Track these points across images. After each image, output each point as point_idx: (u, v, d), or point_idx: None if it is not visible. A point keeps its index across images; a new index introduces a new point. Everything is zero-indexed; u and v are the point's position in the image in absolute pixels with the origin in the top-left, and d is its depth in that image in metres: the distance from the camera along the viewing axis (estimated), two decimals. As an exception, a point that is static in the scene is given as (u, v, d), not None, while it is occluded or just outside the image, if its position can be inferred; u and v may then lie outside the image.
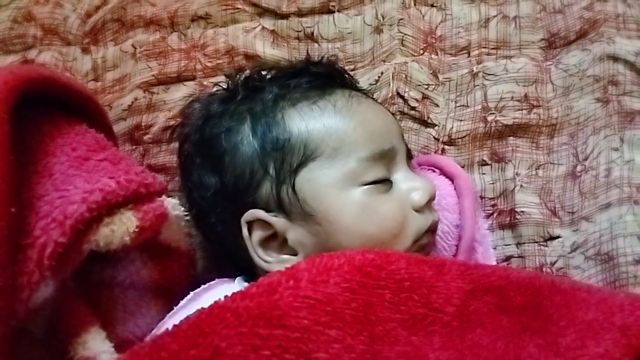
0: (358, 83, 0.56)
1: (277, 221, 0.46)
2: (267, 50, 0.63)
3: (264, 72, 0.52)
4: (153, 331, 0.50)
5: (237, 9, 0.64)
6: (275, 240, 0.47)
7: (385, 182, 0.46)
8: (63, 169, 0.44)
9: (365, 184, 0.45)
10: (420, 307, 0.37)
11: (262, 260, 0.47)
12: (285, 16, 0.64)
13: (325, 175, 0.45)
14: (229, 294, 0.33)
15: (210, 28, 0.65)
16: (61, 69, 0.63)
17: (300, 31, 0.64)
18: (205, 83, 0.64)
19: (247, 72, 0.54)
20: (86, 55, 0.65)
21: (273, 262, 0.46)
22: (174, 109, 0.63)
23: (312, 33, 0.63)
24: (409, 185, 0.47)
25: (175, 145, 0.62)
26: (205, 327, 0.30)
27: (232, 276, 0.54)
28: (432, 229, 0.48)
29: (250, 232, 0.47)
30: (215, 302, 0.33)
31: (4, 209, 0.37)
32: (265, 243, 0.47)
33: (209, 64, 0.64)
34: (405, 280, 0.37)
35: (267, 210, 0.46)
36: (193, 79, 0.64)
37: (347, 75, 0.53)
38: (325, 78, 0.49)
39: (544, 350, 0.37)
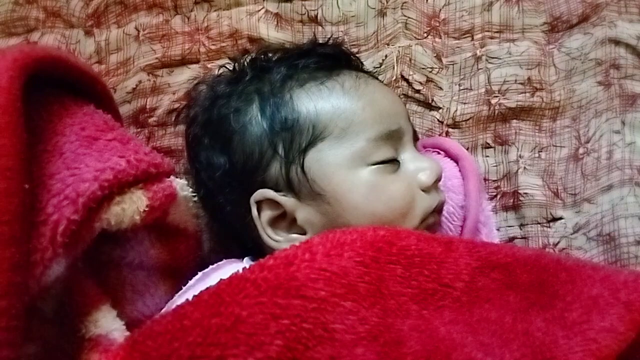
0: (364, 65, 0.56)
1: (287, 201, 0.46)
2: (271, 33, 0.63)
3: (270, 54, 0.52)
4: (162, 310, 0.51)
5: (242, -9, 0.64)
6: (284, 220, 0.47)
7: (393, 162, 0.47)
8: (73, 148, 0.44)
9: (374, 164, 0.46)
10: (431, 282, 0.38)
11: (271, 239, 0.47)
12: (289, -1, 0.64)
13: (334, 155, 0.45)
14: (254, 264, 0.33)
15: (213, 11, 0.65)
16: (65, 51, 0.63)
17: (304, 14, 0.64)
18: (209, 66, 0.64)
19: (253, 54, 0.54)
20: (89, 38, 0.65)
21: (282, 241, 0.47)
22: (179, 91, 0.63)
23: (316, 16, 0.63)
24: (417, 165, 0.48)
25: (180, 128, 0.63)
26: (226, 297, 0.30)
27: (239, 257, 0.54)
28: (438, 209, 0.49)
29: (259, 211, 0.47)
30: (234, 273, 0.33)
31: (18, 185, 0.37)
32: (274, 222, 0.47)
33: (212, 47, 0.64)
34: (415, 256, 0.38)
35: (276, 190, 0.47)
36: (197, 61, 0.64)
37: (353, 57, 0.53)
38: (332, 59, 0.50)
39: (551, 325, 0.38)
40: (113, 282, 0.51)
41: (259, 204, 0.47)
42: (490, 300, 0.40)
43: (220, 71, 0.55)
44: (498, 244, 0.53)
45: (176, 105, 0.63)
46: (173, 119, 0.62)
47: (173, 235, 0.53)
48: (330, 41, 0.54)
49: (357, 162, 0.45)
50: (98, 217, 0.43)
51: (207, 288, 0.33)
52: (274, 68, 0.49)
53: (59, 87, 0.48)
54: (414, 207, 0.46)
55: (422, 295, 0.37)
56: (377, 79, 0.53)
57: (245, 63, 0.51)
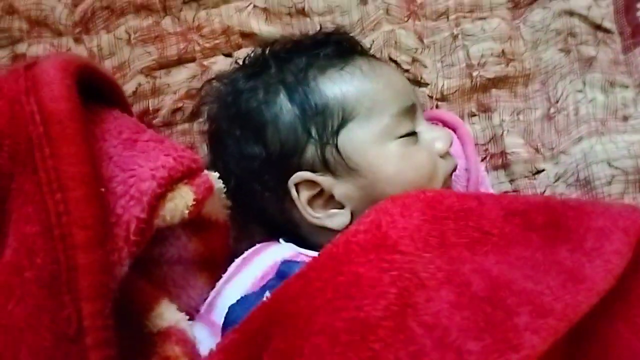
0: (370, 50, 0.61)
1: (324, 180, 0.50)
2: (262, 27, 0.66)
3: (285, 46, 0.55)
4: (207, 300, 0.53)
5: (228, -12, 0.66)
6: (320, 198, 0.51)
7: (413, 135, 0.52)
8: (119, 152, 0.45)
9: (399, 137, 0.51)
10: (476, 232, 0.43)
11: (312, 217, 0.51)
12: (275, -7, 0.67)
13: (364, 132, 0.50)
14: (349, 230, 0.37)
15: (202, 9, 0.66)
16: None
17: (291, 7, 0.67)
18: (205, 63, 0.65)
19: (268, 48, 0.57)
20: (80, 45, 0.64)
21: (322, 217, 0.51)
22: (179, 91, 0.64)
23: (303, 8, 0.67)
24: (432, 135, 0.53)
25: (185, 126, 0.65)
26: (342, 258, 0.34)
27: (261, 242, 0.57)
28: (452, 172, 0.55)
29: (298, 192, 0.51)
30: (335, 240, 0.37)
31: (96, 190, 0.38)
32: (311, 201, 0.51)
33: (207, 45, 0.65)
34: (460, 211, 0.44)
35: (313, 171, 0.50)
36: (193, 60, 0.65)
37: (361, 43, 0.58)
38: (345, 47, 0.54)
39: (574, 253, 0.45)
40: (156, 279, 0.53)
41: (297, 185, 0.51)
42: (519, 242, 0.46)
43: (231, 67, 0.57)
44: (511, 194, 0.60)
45: (180, 104, 0.64)
46: (178, 117, 0.64)
47: (207, 228, 0.55)
48: (337, 30, 0.58)
49: (385, 137, 0.50)
50: (156, 214, 0.45)
51: (320, 255, 0.36)
52: (294, 59, 0.52)
53: (86, 92, 0.49)
54: (437, 171, 0.52)
55: (471, 243, 0.43)
56: (384, 62, 0.58)
57: (263, 57, 0.54)
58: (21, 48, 0.63)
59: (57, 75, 0.39)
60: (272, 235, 0.58)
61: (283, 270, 0.42)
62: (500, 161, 0.65)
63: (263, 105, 0.51)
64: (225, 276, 0.54)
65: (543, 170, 0.65)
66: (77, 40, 0.64)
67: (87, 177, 0.38)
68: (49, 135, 0.37)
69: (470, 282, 0.39)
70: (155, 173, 0.44)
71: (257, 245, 0.55)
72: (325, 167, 0.50)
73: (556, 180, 0.64)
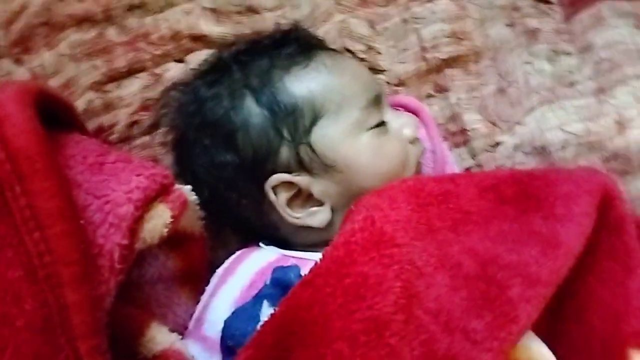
0: (326, 43, 0.61)
1: (301, 179, 0.50)
2: (213, 28, 0.64)
3: (242, 48, 0.54)
4: (194, 315, 0.52)
5: (172, -9, 0.64)
6: (299, 198, 0.51)
7: (382, 125, 0.53)
8: (87, 178, 0.43)
9: (370, 129, 0.51)
10: (457, 213, 0.45)
11: (293, 217, 0.51)
12: (222, -8, 0.65)
13: (336, 128, 0.50)
14: (345, 231, 0.37)
15: (148, 16, 0.64)
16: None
17: (240, 5, 0.65)
18: (157, 72, 0.63)
19: (217, 52, 0.56)
20: (20, 67, 0.60)
21: (303, 216, 0.51)
22: (133, 103, 0.62)
23: (252, 5, 0.66)
24: (399, 122, 0.54)
25: (145, 139, 0.63)
26: (345, 260, 0.35)
27: (237, 248, 0.57)
28: (422, 156, 0.56)
29: (275, 195, 0.50)
30: (334, 243, 0.37)
31: (75, 224, 0.36)
32: (290, 202, 0.51)
33: (157, 52, 0.63)
34: (439, 195, 0.45)
35: (288, 172, 0.50)
36: (143, 69, 0.63)
37: (320, 38, 0.57)
38: (306, 43, 0.53)
39: (547, 220, 0.47)
40: (139, 302, 0.51)
41: (274, 188, 0.50)
42: (495, 216, 0.48)
43: (187, 74, 0.56)
44: (479, 172, 0.62)
45: (135, 118, 0.62)
46: (136, 131, 0.62)
47: (184, 242, 0.54)
48: (293, 26, 0.57)
49: (357, 130, 0.50)
50: (137, 237, 0.43)
51: (322, 260, 0.36)
52: (256, 61, 0.51)
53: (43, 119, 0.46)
54: (409, 158, 0.53)
55: (454, 224, 0.44)
56: (344, 55, 0.58)
57: (223, 61, 0.53)
58: (-44, 74, 0.59)
59: (16, 108, 0.37)
60: (248, 240, 0.57)
61: (278, 278, 0.42)
62: (461, 139, 0.67)
63: (230, 111, 0.50)
64: (209, 289, 0.53)
65: (502, 142, 0.67)
66: (18, 61, 0.61)
67: (65, 211, 0.36)
68: (18, 173, 0.35)
69: (460, 263, 0.40)
70: (131, 196, 0.42)
71: (238, 252, 0.55)
72: (301, 166, 0.50)
73: (515, 151, 0.67)
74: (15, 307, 0.33)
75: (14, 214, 0.34)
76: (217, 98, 0.51)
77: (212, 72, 0.54)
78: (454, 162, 0.66)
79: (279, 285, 0.41)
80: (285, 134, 0.49)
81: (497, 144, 0.67)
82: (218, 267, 0.56)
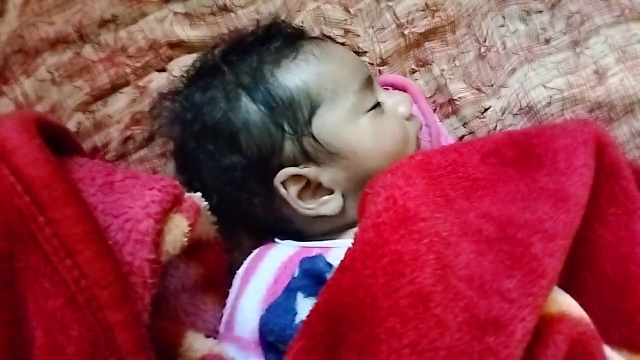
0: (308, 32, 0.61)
1: (309, 171, 0.51)
2: (189, 32, 0.64)
3: (227, 50, 0.54)
4: (223, 319, 0.53)
5: (142, 1, 0.63)
6: (309, 189, 0.52)
7: (378, 105, 0.53)
8: (100, 199, 0.43)
9: (367, 111, 0.52)
10: (467, 181, 0.46)
11: (306, 209, 0.51)
12: (191, -4, 0.65)
13: (335, 115, 0.51)
14: (370, 213, 0.38)
15: (122, 29, 0.63)
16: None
17: (211, 6, 0.65)
18: (140, 84, 0.62)
19: (201, 57, 0.55)
20: (2, 98, 0.59)
21: (316, 206, 0.52)
22: (123, 119, 0.61)
23: (225, 4, 0.65)
24: (392, 101, 0.55)
25: (141, 153, 0.62)
26: (377, 241, 0.35)
27: (251, 248, 0.57)
28: (419, 131, 0.57)
29: (286, 190, 0.51)
30: (363, 226, 0.38)
31: (106, 246, 0.36)
32: (301, 194, 0.52)
33: (137, 64, 0.62)
34: (448, 166, 0.46)
35: (295, 165, 0.51)
36: (127, 84, 0.62)
37: (301, 28, 0.58)
38: (290, 35, 0.54)
39: (552, 176, 0.49)
40: (166, 314, 0.51)
41: (283, 183, 0.51)
42: (501, 179, 0.50)
43: (173, 83, 0.56)
44: (477, 138, 0.63)
45: (128, 133, 0.61)
46: (130, 146, 0.61)
47: (201, 248, 0.54)
48: (273, 19, 0.57)
49: (355, 114, 0.51)
50: (160, 250, 0.43)
51: (355, 245, 0.37)
52: (246, 59, 0.51)
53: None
54: (409, 134, 0.54)
55: (466, 192, 0.45)
56: (329, 41, 0.58)
57: (211, 64, 0.53)
58: (-63, 114, 0.57)
59: (23, 138, 0.36)
60: (262, 238, 0.58)
61: (308, 268, 0.42)
62: (450, 109, 0.69)
63: (229, 113, 0.50)
64: (233, 290, 0.53)
65: (490, 107, 0.69)
66: (-3, 92, 0.59)
67: (92, 235, 0.36)
68: (39, 203, 0.34)
69: (480, 228, 0.42)
70: (149, 210, 0.42)
71: (255, 251, 0.55)
72: (307, 158, 0.51)
73: (503, 114, 0.69)
74: (63, 335, 0.33)
75: (42, 245, 0.34)
76: (212, 102, 0.51)
77: (203, 77, 0.53)
78: (448, 133, 0.68)
79: (310, 275, 0.42)
80: (287, 127, 0.50)
81: (486, 109, 0.69)
82: (236, 268, 0.56)
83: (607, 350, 0.43)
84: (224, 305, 0.53)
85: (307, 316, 0.35)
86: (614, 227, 0.50)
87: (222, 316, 0.53)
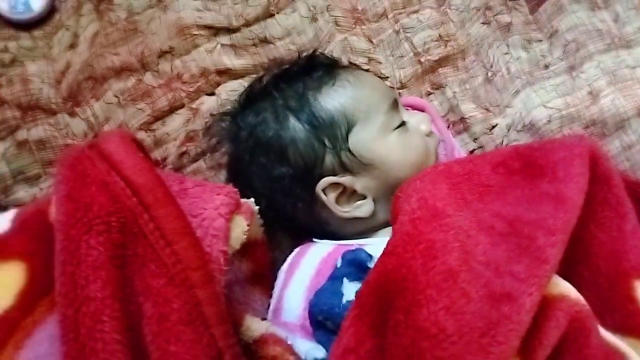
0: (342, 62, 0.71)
1: (345, 179, 0.60)
2: (234, 61, 0.74)
3: (276, 78, 0.63)
4: (270, 308, 0.61)
5: (194, 35, 0.73)
6: (345, 195, 0.61)
7: (403, 124, 0.63)
8: (179, 202, 0.52)
9: (395, 129, 0.61)
10: (481, 187, 0.55)
11: (343, 212, 0.60)
12: (236, 30, 0.74)
13: (368, 132, 0.60)
14: (406, 211, 0.47)
15: (177, 58, 0.72)
16: (60, 137, 0.66)
17: (253, 38, 0.75)
18: (193, 106, 0.72)
19: (249, 86, 0.65)
20: (75, 118, 0.68)
21: (351, 210, 0.60)
22: (179, 136, 0.71)
23: (265, 37, 0.75)
24: (415, 120, 0.64)
25: (194, 165, 0.71)
26: (414, 232, 0.44)
27: (290, 247, 0.66)
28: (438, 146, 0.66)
29: (326, 196, 0.60)
30: (401, 220, 0.46)
31: (195, 238, 0.45)
32: (338, 200, 0.61)
33: (190, 89, 0.72)
34: (465, 174, 0.55)
35: (334, 175, 0.60)
36: (182, 106, 0.72)
37: (336, 58, 0.67)
38: (328, 65, 0.63)
39: (552, 183, 0.57)
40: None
41: (324, 190, 0.60)
42: (508, 186, 0.58)
43: (221, 106, 0.65)
44: (488, 152, 0.72)
45: (183, 149, 0.70)
46: (185, 160, 0.70)
47: (251, 247, 0.62)
48: (312, 52, 0.67)
49: (385, 132, 0.60)
50: (228, 245, 0.52)
51: (395, 235, 0.45)
52: (293, 86, 0.61)
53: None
54: (430, 148, 0.63)
55: (480, 196, 0.54)
56: (361, 69, 0.68)
57: (263, 91, 0.62)
58: (22, 134, 0.66)
59: (127, 152, 0.45)
60: (300, 238, 0.67)
61: (351, 258, 0.51)
62: (462, 126, 0.78)
63: (279, 131, 0.59)
64: (279, 283, 0.62)
65: (497, 124, 0.78)
66: (72, 114, 0.68)
67: (186, 229, 0.44)
68: (144, 204, 0.43)
69: (493, 225, 0.50)
70: (220, 211, 0.51)
71: (297, 249, 0.64)
72: (344, 168, 0.60)
73: (508, 130, 0.78)
74: (167, 307, 0.41)
75: (147, 236, 0.43)
76: (264, 122, 0.60)
77: (255, 101, 0.63)
78: (460, 147, 0.77)
79: (354, 264, 0.50)
80: (327, 143, 0.59)
81: (493, 126, 0.78)
82: (277, 265, 0.65)
83: (601, 329, 0.51)
84: (269, 296, 0.62)
85: (359, 291, 0.43)
86: (607, 228, 0.57)
87: (269, 305, 0.61)
